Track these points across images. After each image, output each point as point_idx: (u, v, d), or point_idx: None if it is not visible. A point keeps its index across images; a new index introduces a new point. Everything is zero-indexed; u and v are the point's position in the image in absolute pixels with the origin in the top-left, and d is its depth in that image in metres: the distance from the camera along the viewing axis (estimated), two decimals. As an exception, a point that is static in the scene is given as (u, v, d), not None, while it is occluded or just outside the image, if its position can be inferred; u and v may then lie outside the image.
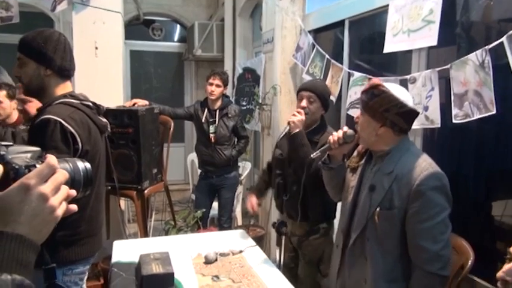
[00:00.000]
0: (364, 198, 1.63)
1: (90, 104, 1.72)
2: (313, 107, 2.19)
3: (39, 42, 1.58)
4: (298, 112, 2.15)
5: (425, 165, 1.51)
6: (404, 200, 1.51)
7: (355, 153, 1.81)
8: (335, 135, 1.75)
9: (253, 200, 2.47)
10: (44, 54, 1.58)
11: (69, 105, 1.62)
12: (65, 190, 0.68)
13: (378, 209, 1.55)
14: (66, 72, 1.67)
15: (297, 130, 2.10)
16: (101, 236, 1.81)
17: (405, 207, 1.51)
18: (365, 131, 1.62)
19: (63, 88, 1.67)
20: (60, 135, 1.51)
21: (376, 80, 1.59)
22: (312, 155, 1.86)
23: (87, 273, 1.75)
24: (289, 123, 2.13)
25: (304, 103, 2.18)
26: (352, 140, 1.73)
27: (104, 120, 1.80)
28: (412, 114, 1.57)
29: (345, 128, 1.75)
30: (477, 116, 1.77)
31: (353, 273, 1.68)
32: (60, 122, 1.52)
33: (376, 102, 1.54)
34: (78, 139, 1.56)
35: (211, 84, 3.43)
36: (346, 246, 1.70)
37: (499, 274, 0.95)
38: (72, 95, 1.67)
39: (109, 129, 1.85)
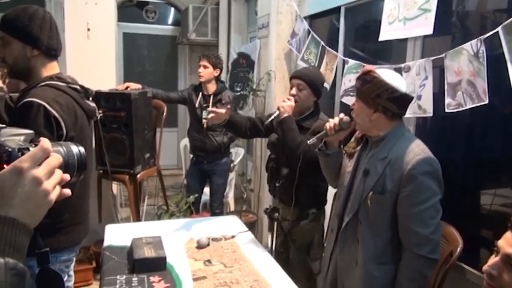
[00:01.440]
0: (358, 183, 1.66)
1: (78, 87, 1.63)
2: (302, 94, 2.22)
3: (23, 21, 1.49)
4: (288, 99, 2.20)
5: (418, 150, 1.53)
6: (396, 183, 1.54)
7: (352, 139, 1.84)
8: (331, 122, 1.77)
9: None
10: (30, 33, 1.50)
11: (55, 88, 1.53)
12: (58, 174, 0.67)
13: (370, 193, 1.58)
14: (53, 52, 1.58)
15: (286, 115, 2.14)
16: (87, 224, 1.76)
17: (397, 191, 1.54)
18: (360, 117, 1.65)
19: (50, 69, 1.58)
20: (44, 119, 1.43)
21: (368, 67, 1.61)
22: (308, 141, 1.87)
23: (74, 260, 1.72)
24: (278, 108, 2.18)
25: (293, 91, 2.22)
26: (348, 126, 1.75)
27: (92, 104, 1.72)
28: (405, 99, 1.58)
29: (341, 115, 1.77)
30: (469, 105, 1.78)
31: (344, 255, 1.72)
32: (44, 106, 1.44)
33: (368, 88, 1.57)
34: (63, 124, 1.48)
35: (200, 66, 3.41)
36: (340, 230, 1.74)
37: (485, 268, 0.96)
38: (59, 77, 1.58)
39: (97, 114, 1.76)
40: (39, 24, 1.52)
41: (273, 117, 2.16)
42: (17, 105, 1.50)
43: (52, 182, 0.65)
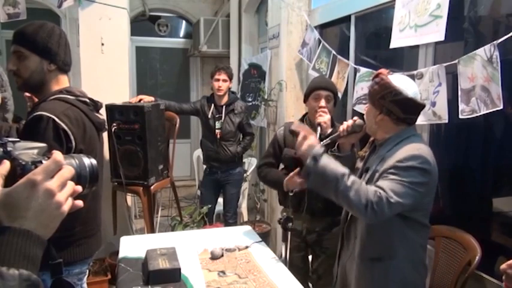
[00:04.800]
0: None
1: (87, 100, 1.66)
2: (330, 105, 2.18)
3: (43, 36, 1.54)
4: (323, 112, 2.11)
5: (412, 149, 1.52)
6: (382, 176, 1.54)
7: (368, 144, 1.85)
8: (345, 124, 1.79)
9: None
10: (50, 48, 1.55)
11: (64, 101, 1.55)
12: (71, 186, 0.68)
13: None
14: (67, 67, 1.64)
15: (330, 130, 2.10)
16: (99, 236, 1.76)
17: None
18: (368, 118, 1.69)
19: (61, 83, 1.62)
20: (53, 133, 1.45)
21: (381, 70, 1.62)
22: (321, 142, 1.83)
23: (86, 272, 1.72)
24: (320, 124, 2.05)
25: (323, 103, 2.14)
26: (360, 129, 1.76)
27: (101, 117, 1.74)
28: (409, 103, 1.56)
29: (355, 118, 1.79)
30: (484, 111, 1.75)
31: (347, 251, 1.76)
32: (53, 119, 1.45)
33: (375, 90, 1.60)
34: (72, 137, 1.49)
35: (218, 80, 3.43)
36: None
37: (503, 267, 0.95)
38: (68, 91, 1.60)
39: (106, 126, 1.77)
40: (57, 40, 1.58)
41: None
42: (28, 118, 1.53)
43: (64, 194, 0.66)
